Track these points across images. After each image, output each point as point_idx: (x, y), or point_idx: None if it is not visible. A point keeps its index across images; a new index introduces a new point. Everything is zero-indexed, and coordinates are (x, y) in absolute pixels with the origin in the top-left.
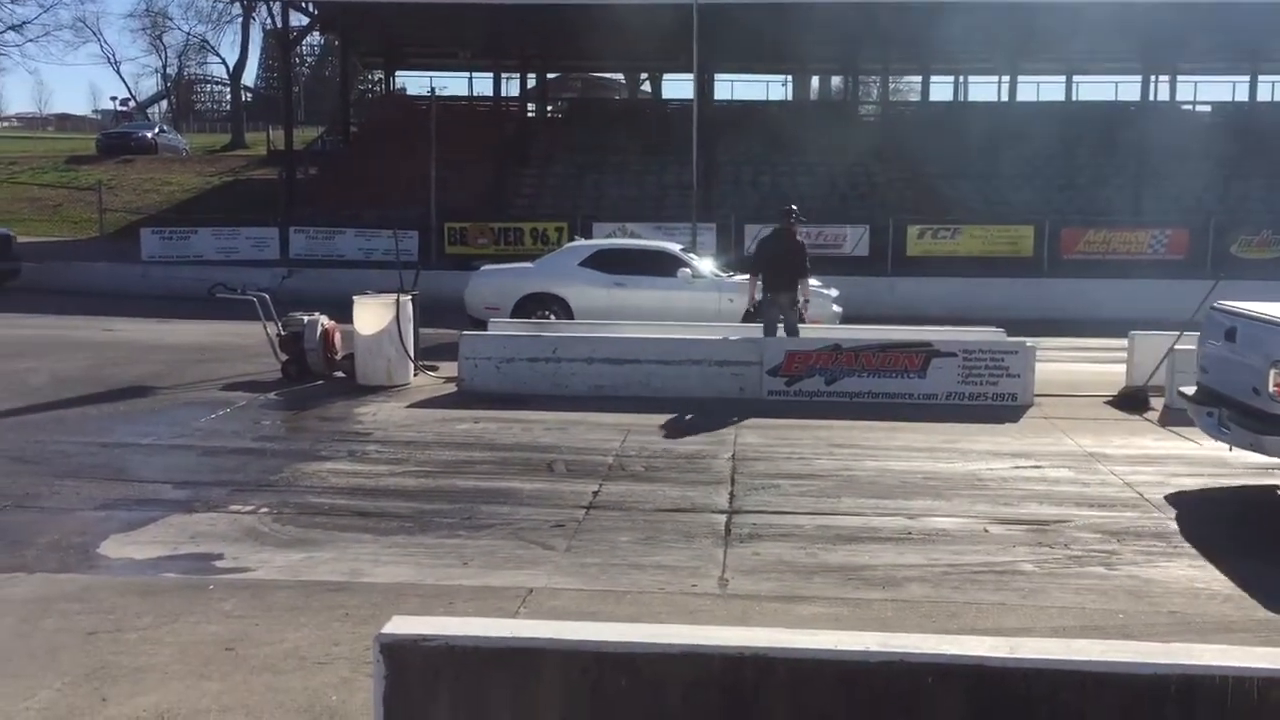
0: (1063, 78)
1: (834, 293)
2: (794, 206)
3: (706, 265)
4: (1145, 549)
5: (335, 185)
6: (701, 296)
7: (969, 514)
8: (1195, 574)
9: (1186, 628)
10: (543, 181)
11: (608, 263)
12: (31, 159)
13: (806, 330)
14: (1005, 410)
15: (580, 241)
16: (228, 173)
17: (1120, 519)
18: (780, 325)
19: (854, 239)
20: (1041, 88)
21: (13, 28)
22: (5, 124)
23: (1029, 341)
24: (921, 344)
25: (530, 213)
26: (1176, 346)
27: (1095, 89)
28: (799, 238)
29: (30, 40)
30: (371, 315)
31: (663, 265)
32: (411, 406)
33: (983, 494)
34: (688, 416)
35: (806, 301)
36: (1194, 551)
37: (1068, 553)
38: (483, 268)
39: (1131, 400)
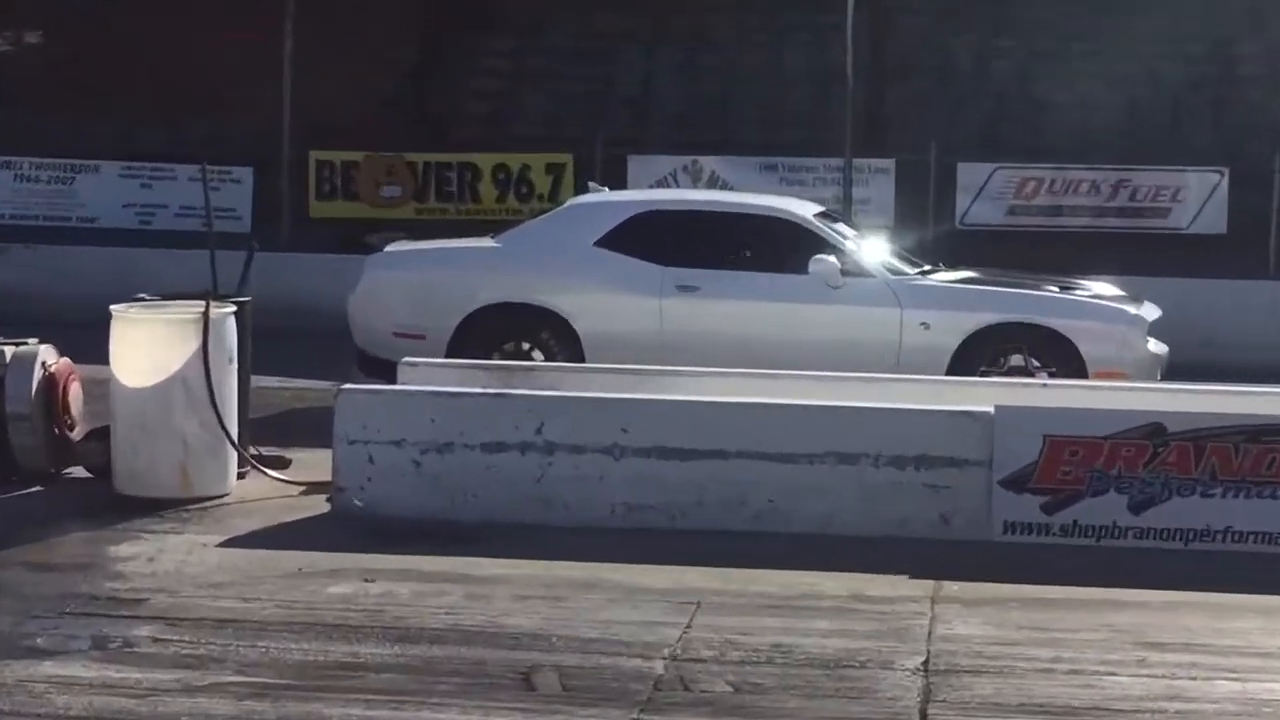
0: None
1: (1151, 313)
2: None
3: (873, 250)
4: None
5: (78, 69)
6: (862, 316)
7: None
8: None
9: None
10: (521, 70)
11: (658, 241)
12: None
13: (1093, 392)
14: None
15: (600, 195)
16: None
17: None
18: None
19: (1197, 196)
20: None
21: None
22: None
23: None
24: None
25: (494, 135)
26: None
27: None
28: None
29: None
30: (149, 347)
31: (779, 247)
32: (231, 545)
33: None
34: (828, 576)
35: None
36: None
37: None
38: (388, 248)
39: None
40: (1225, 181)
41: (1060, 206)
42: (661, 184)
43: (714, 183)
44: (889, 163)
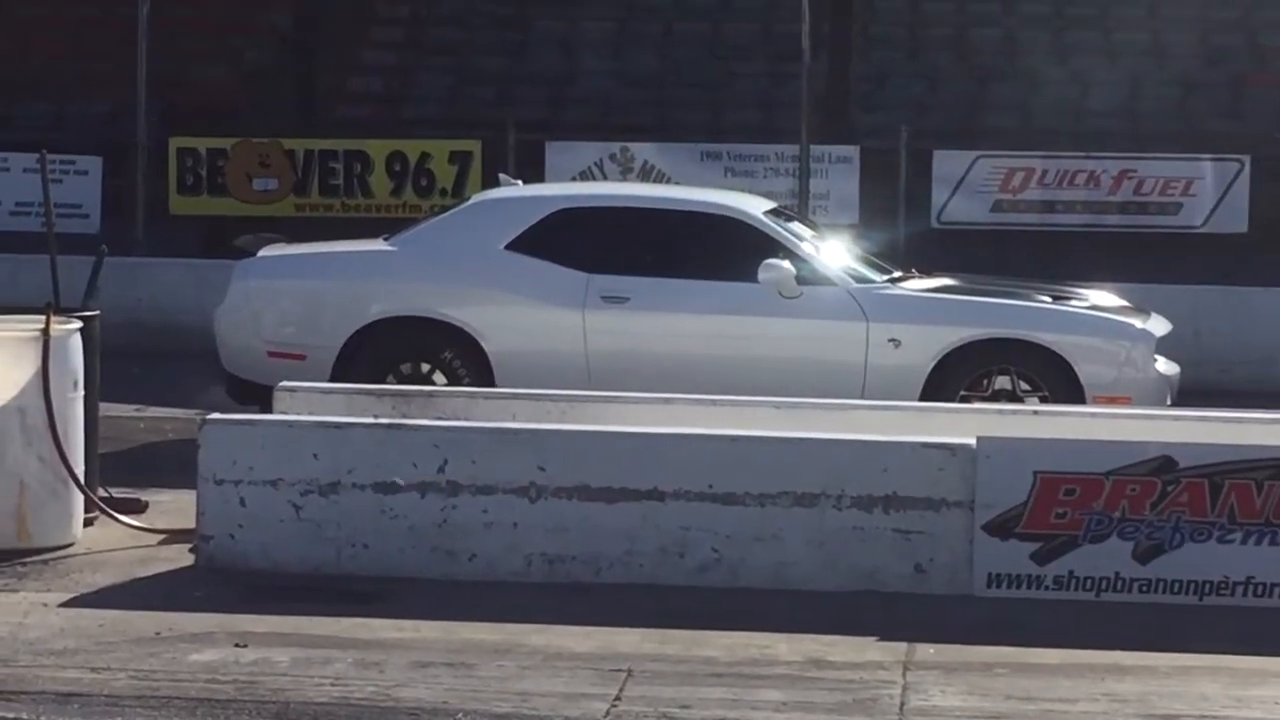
0: None
1: (1159, 327)
2: None
3: (834, 254)
4: None
5: None
6: (821, 331)
7: None
8: None
9: None
10: (419, 40)
11: (581, 243)
12: None
13: (1091, 421)
14: None
15: (513, 189)
16: None
17: None
18: None
19: (1213, 189)
20: None
21: None
22: None
23: None
24: None
25: (388, 117)
26: None
27: None
28: None
29: None
30: None
31: (723, 251)
32: (77, 605)
33: None
34: (782, 638)
35: None
36: None
37: None
38: (262, 252)
39: None
40: (1246, 172)
41: (1053, 202)
42: (585, 176)
43: (647, 174)
44: (852, 150)
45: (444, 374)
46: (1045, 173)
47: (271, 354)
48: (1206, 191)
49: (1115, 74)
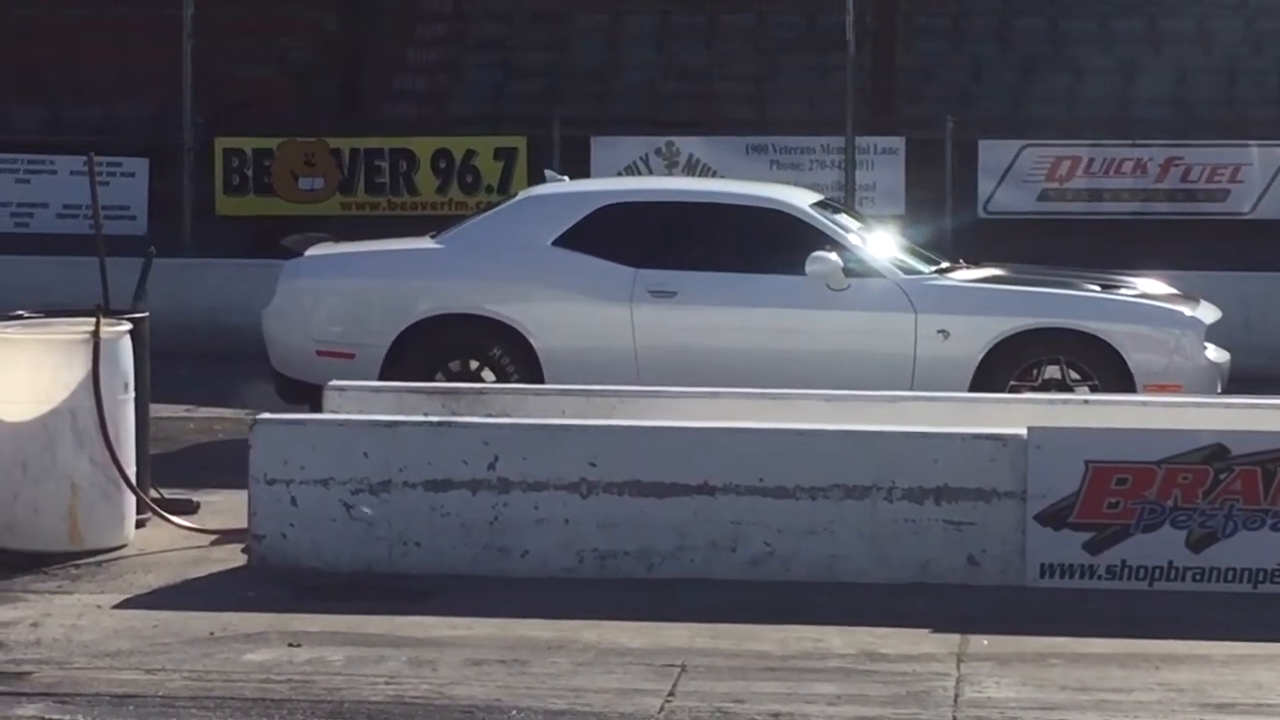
0: None
1: (1209, 315)
2: None
3: (881, 245)
4: None
5: None
6: (870, 323)
7: None
8: None
9: None
10: (462, 39)
11: (627, 238)
12: None
13: (1142, 410)
14: None
15: (559, 185)
16: None
17: None
18: None
19: (1261, 176)
20: None
21: None
22: None
23: None
24: None
25: (433, 115)
26: None
27: None
28: None
29: None
30: (30, 373)
31: (770, 244)
32: (130, 606)
33: None
34: (835, 631)
35: None
36: None
37: None
38: (309, 251)
39: None
40: None
41: (1100, 190)
42: (631, 171)
43: (692, 168)
44: (898, 141)
45: (493, 371)
46: (1092, 161)
47: (320, 353)
48: (1254, 178)
49: (1160, 61)
